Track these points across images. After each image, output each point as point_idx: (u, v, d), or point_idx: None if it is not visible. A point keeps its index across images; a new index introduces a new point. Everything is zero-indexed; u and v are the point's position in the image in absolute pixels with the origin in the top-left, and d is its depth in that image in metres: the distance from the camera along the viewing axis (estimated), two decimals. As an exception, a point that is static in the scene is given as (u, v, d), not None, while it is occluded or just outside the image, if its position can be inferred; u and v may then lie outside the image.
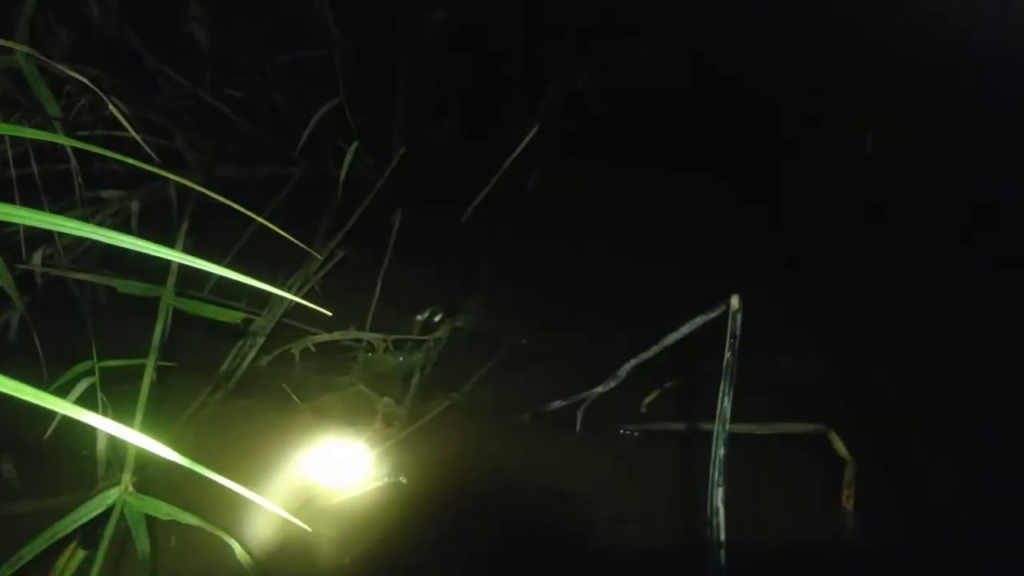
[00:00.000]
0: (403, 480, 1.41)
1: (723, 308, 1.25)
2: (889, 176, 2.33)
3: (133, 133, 1.24)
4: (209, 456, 1.43)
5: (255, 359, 1.61)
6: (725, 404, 1.18)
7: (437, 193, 2.20)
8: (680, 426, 1.50)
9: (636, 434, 1.53)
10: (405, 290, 1.86)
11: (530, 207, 2.17)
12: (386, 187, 2.00)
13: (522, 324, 1.77)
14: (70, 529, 1.10)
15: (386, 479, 1.41)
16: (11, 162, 1.65)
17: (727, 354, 1.20)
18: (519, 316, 1.79)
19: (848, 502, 1.38)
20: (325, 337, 1.66)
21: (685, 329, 1.33)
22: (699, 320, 1.30)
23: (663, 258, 2.01)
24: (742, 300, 1.23)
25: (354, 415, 1.55)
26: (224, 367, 1.56)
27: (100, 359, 1.33)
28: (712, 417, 1.46)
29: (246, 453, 1.44)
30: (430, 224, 2.08)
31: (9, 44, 1.20)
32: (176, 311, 1.52)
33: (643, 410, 1.58)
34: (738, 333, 1.21)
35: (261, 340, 1.61)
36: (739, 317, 1.22)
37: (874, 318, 1.79)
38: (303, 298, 1.76)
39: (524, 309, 1.82)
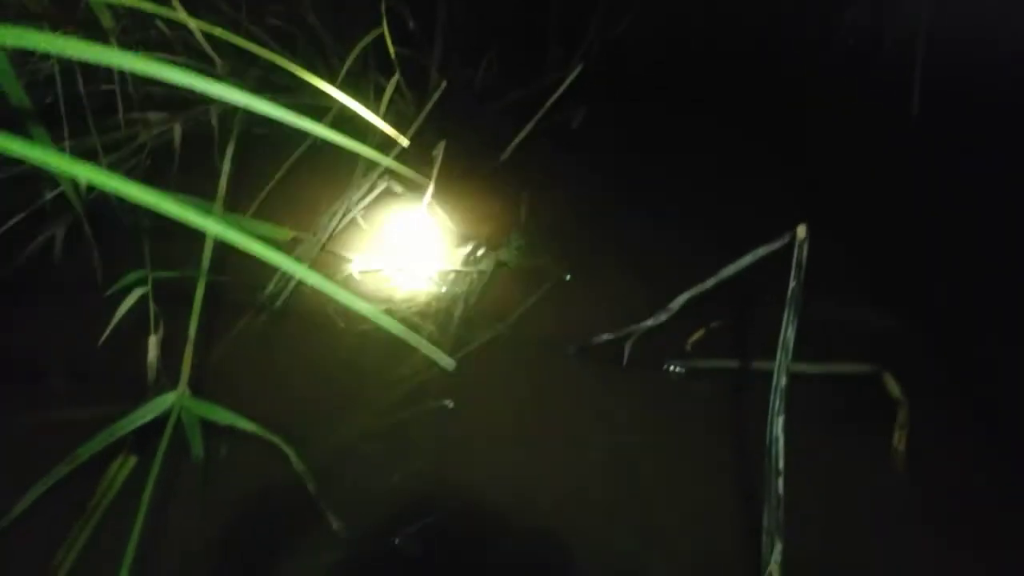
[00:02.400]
0: (450, 405, 1.40)
1: (788, 238, 1.22)
2: (935, 135, 2.28)
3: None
4: (257, 374, 1.44)
5: (300, 284, 1.60)
6: (789, 333, 1.16)
7: (478, 132, 2.16)
8: (730, 363, 1.49)
9: (683, 370, 1.51)
10: (447, 225, 1.84)
11: (573, 147, 2.13)
12: (426, 123, 1.97)
13: (568, 259, 1.74)
14: (128, 430, 1.10)
15: (433, 403, 1.40)
16: (58, 78, 1.63)
17: (792, 283, 1.17)
18: (564, 251, 1.77)
19: (900, 443, 1.36)
20: (368, 265, 1.64)
21: (747, 260, 1.31)
22: (762, 251, 1.28)
23: (713, 197, 1.97)
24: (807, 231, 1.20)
25: (399, 341, 1.54)
26: (269, 289, 1.55)
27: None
28: (761, 356, 1.46)
29: (293, 371, 1.44)
30: (472, 162, 2.05)
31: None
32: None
33: (688, 348, 1.56)
34: (804, 263, 1.18)
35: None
36: (806, 247, 1.19)
37: (926, 267, 1.76)
38: (345, 229, 1.75)
39: (569, 244, 1.80)
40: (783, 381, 1.13)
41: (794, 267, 1.17)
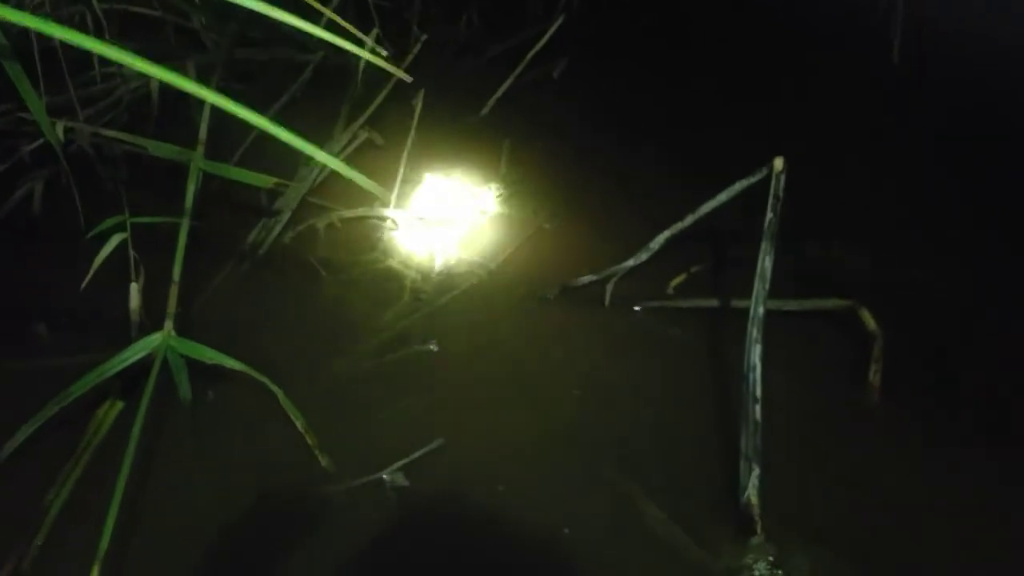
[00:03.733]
0: (434, 347, 1.42)
1: (765, 172, 1.24)
2: (914, 82, 2.29)
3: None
4: (241, 320, 1.44)
5: (281, 234, 1.60)
6: (766, 264, 1.18)
7: (459, 86, 2.16)
8: (710, 303, 1.50)
9: (664, 311, 1.53)
10: (429, 174, 1.85)
11: (554, 97, 2.12)
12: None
13: (549, 207, 1.76)
14: (115, 370, 1.11)
15: (418, 347, 1.42)
16: (32, 33, 1.60)
17: (769, 214, 1.20)
18: (546, 199, 1.78)
19: (875, 376, 1.39)
20: (350, 213, 1.65)
21: (723, 196, 1.33)
22: (738, 186, 1.30)
23: (695, 141, 1.97)
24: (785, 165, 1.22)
25: (382, 289, 1.55)
26: (251, 239, 1.55)
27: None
28: (741, 296, 1.49)
29: (277, 317, 1.45)
30: (454, 115, 2.05)
31: None
32: (204, 187, 1.50)
33: (671, 291, 1.58)
34: (781, 195, 1.20)
35: (288, 213, 1.60)
36: (783, 179, 1.21)
37: (901, 206, 1.78)
38: (326, 180, 1.75)
39: (551, 192, 1.80)
40: (760, 310, 1.16)
41: (771, 199, 1.20)
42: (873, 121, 2.11)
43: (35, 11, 1.54)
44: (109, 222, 1.29)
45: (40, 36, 1.61)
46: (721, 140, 1.97)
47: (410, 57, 1.95)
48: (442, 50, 2.35)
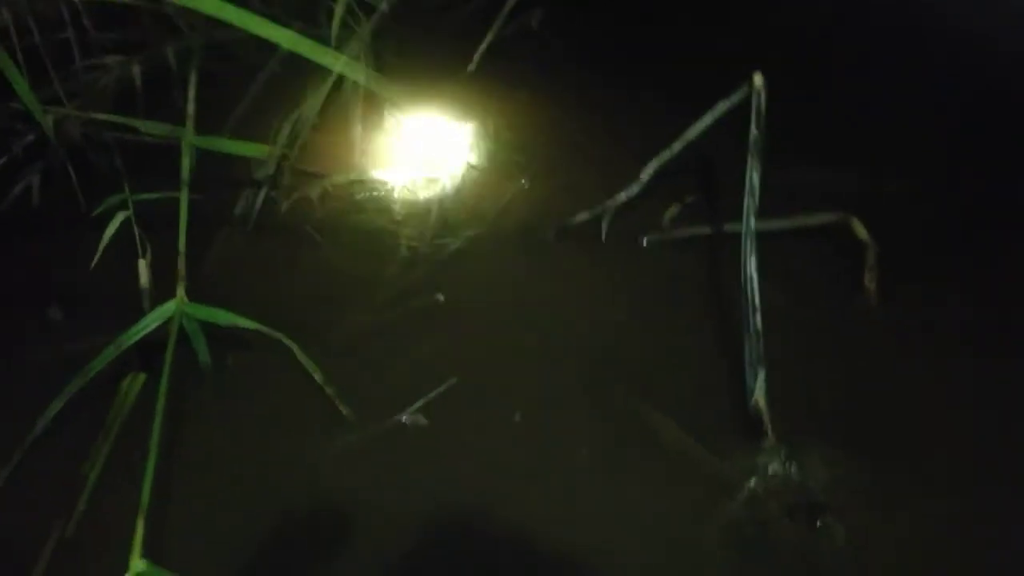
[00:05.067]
0: (440, 298, 1.45)
1: (746, 90, 1.26)
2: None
3: None
4: (248, 285, 1.47)
5: (271, 203, 1.63)
6: (754, 179, 1.21)
7: (439, 44, 2.16)
8: (704, 230, 1.53)
9: (660, 241, 1.55)
10: (416, 133, 1.86)
11: (533, 47, 2.12)
12: (385, 40, 1.97)
13: (540, 153, 1.77)
14: (133, 340, 1.14)
15: (424, 299, 1.45)
16: (11, 30, 1.61)
17: (753, 131, 1.22)
18: (536, 147, 1.79)
19: (871, 283, 1.43)
20: (341, 179, 1.67)
21: (707, 119, 1.35)
22: (721, 107, 1.32)
23: (676, 69, 1.96)
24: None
25: (383, 247, 1.58)
26: (249, 208, 1.58)
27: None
28: (734, 223, 1.51)
29: (283, 281, 1.48)
30: (436, 73, 2.06)
31: None
32: (197, 163, 1.52)
33: (666, 223, 1.60)
34: (763, 110, 1.23)
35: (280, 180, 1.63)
36: (763, 95, 1.23)
37: (889, 133, 1.79)
38: (314, 146, 1.76)
39: (538, 139, 1.82)
40: (751, 223, 1.19)
41: (753, 115, 1.22)
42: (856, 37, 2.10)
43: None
44: (111, 200, 1.31)
45: (20, 32, 1.63)
46: (703, 69, 1.96)
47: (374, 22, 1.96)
48: (419, 9, 2.35)
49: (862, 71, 1.97)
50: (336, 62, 1.34)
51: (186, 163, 1.28)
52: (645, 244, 1.55)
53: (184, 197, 1.24)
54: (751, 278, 1.18)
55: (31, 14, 1.66)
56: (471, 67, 2.07)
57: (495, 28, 2.06)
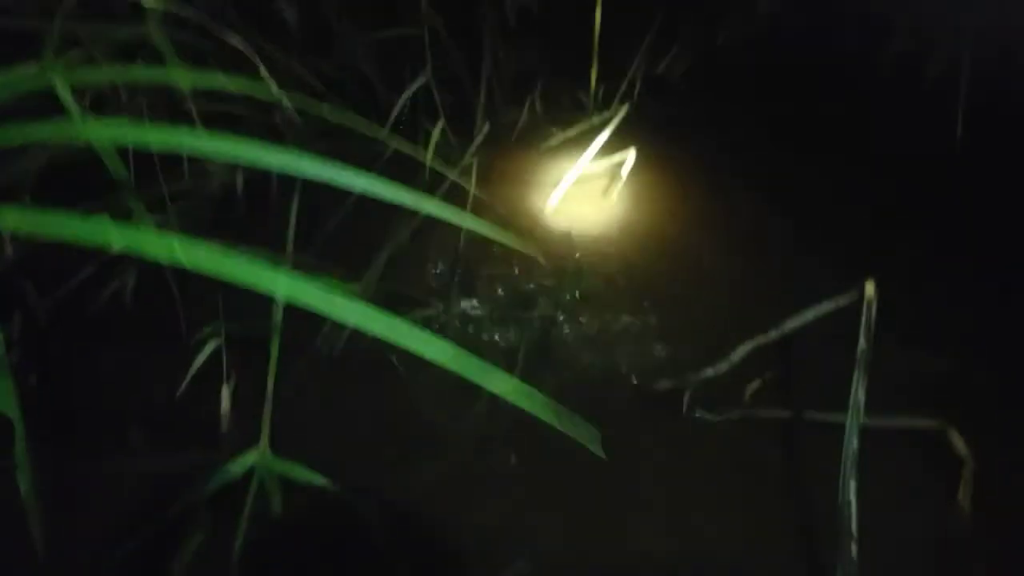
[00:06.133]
0: (513, 460, 1.42)
1: (856, 296, 1.23)
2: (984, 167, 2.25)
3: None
4: (322, 423, 1.46)
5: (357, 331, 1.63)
6: (860, 395, 1.16)
7: (523, 173, 2.20)
8: (788, 414, 1.48)
9: (741, 419, 1.51)
10: (499, 272, 1.87)
11: (622, 190, 2.15)
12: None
13: (618, 304, 1.76)
14: (215, 487, 1.13)
15: (497, 457, 1.42)
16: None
17: (862, 344, 1.18)
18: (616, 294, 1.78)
19: (965, 499, 1.36)
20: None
21: (809, 314, 1.32)
22: (826, 306, 1.29)
23: (782, 239, 1.95)
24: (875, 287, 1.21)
25: (462, 391, 1.56)
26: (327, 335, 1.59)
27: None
28: (819, 406, 1.46)
29: (356, 420, 1.47)
30: (518, 204, 2.09)
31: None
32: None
33: (747, 399, 1.56)
34: (873, 324, 1.19)
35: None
36: (874, 307, 1.20)
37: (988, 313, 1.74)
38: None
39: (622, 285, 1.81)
40: (854, 444, 1.14)
41: (863, 328, 1.19)
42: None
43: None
44: (207, 331, 1.33)
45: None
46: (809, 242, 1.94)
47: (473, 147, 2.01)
48: (506, 137, 2.40)
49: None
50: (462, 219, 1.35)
51: (279, 307, 1.28)
52: (725, 420, 1.50)
53: (276, 339, 1.25)
54: (849, 503, 1.12)
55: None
56: (552, 202, 2.09)
57: (578, 169, 2.10)
